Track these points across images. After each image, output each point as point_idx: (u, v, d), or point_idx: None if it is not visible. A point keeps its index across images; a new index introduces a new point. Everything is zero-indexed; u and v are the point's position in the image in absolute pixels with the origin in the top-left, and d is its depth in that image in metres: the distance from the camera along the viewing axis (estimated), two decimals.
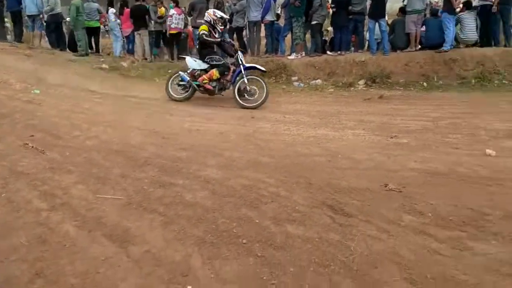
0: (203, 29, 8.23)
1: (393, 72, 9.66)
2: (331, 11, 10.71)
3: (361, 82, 9.65)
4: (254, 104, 7.94)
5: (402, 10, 10.35)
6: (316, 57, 10.47)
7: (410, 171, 4.38)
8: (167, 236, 3.09)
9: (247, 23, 11.41)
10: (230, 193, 3.80)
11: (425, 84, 9.37)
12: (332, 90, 9.48)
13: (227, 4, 11.68)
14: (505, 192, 3.82)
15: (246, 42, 11.86)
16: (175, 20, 11.55)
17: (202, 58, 8.40)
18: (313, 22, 10.41)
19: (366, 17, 10.41)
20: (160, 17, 11.89)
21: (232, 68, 8.33)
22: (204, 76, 8.15)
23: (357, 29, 10.68)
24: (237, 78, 8.19)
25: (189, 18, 12.05)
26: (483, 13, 9.77)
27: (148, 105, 7.99)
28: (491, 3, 9.51)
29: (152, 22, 12.02)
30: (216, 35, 8.40)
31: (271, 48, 11.42)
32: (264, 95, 7.91)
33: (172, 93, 8.44)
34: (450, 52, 9.57)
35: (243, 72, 8.07)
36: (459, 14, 9.62)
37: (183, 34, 12.31)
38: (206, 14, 8.56)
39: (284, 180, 4.15)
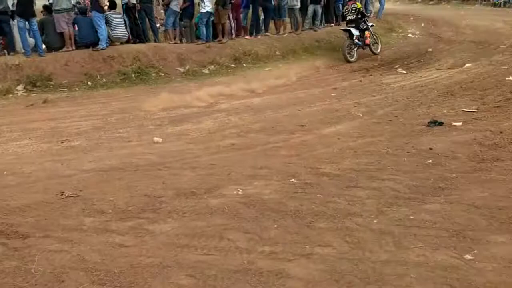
0: (360, 6, 11.16)
1: (54, 74, 9.13)
2: None
3: (20, 87, 8.75)
4: (379, 50, 11.38)
5: (47, 9, 9.85)
6: None
7: (86, 173, 4.34)
8: None
9: None
10: None
11: (89, 83, 9.32)
12: None
13: None
14: (173, 173, 4.32)
15: None
16: None
17: (357, 26, 10.78)
18: None
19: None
20: None
21: None
22: (368, 38, 10.82)
23: (3, 30, 9.48)
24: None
25: None
26: (129, 11, 10.39)
27: None
28: (134, 2, 10.23)
29: None
30: None
31: None
32: (381, 44, 11.59)
33: (350, 58, 10.71)
34: (107, 50, 9.82)
35: (370, 29, 11.08)
36: (106, 13, 9.93)
37: None
38: None
39: None
